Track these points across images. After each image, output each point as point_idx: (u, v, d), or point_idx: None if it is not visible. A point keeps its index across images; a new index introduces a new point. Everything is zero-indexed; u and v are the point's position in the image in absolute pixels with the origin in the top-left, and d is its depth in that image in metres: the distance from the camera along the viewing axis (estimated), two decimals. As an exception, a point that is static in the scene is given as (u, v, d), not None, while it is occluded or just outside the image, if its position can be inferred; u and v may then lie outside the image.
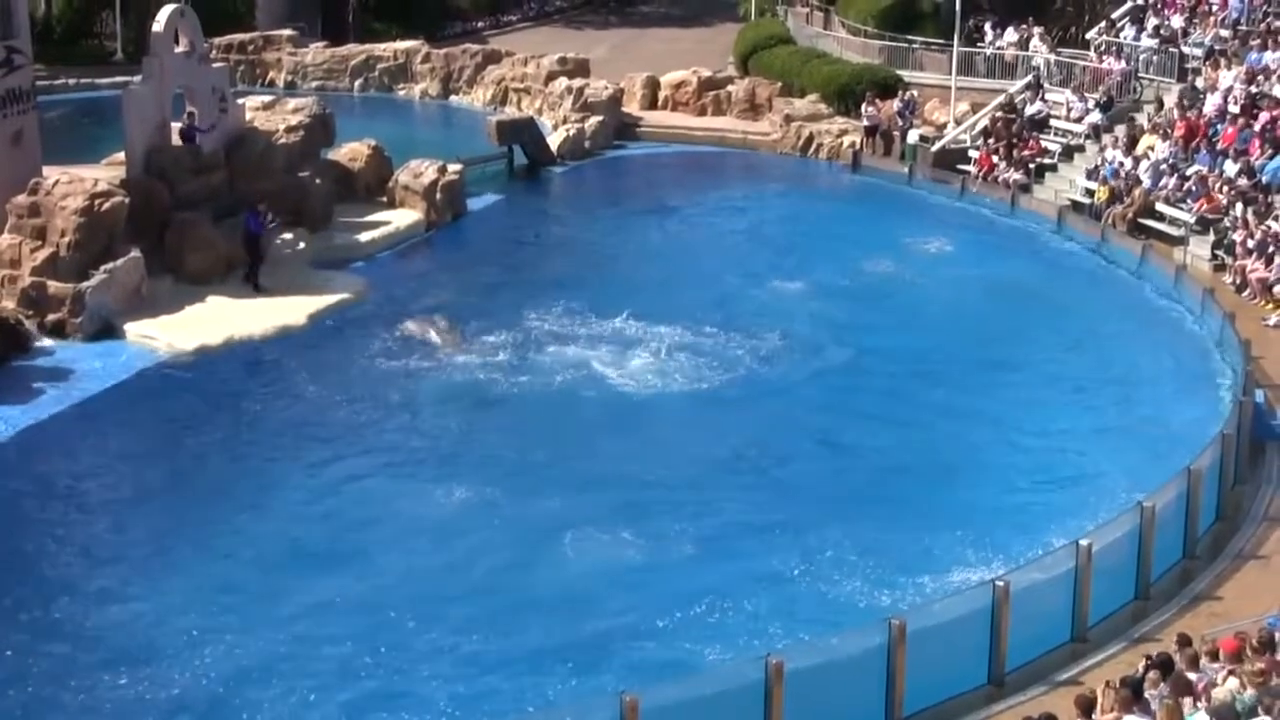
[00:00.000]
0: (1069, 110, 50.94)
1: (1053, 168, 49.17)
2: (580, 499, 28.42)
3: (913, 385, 34.21)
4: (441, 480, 29.32)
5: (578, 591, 25.28)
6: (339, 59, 65.52)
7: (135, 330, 36.05)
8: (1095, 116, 49.52)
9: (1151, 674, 19.03)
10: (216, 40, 60.14)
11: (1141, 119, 48.17)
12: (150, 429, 32.33)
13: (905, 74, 57.68)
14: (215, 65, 44.77)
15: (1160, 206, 43.76)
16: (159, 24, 40.67)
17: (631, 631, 24.21)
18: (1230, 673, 18.64)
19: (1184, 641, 19.96)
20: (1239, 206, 40.83)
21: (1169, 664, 19.17)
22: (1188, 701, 17.98)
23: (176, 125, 41.06)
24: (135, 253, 37.04)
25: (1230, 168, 42.71)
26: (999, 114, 51.65)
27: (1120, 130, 47.72)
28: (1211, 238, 41.29)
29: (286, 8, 72.81)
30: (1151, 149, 45.70)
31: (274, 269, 39.36)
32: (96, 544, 27.04)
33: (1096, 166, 46.84)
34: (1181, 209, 43.02)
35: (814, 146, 55.02)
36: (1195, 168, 43.73)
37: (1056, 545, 24.05)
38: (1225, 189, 41.91)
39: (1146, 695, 18.40)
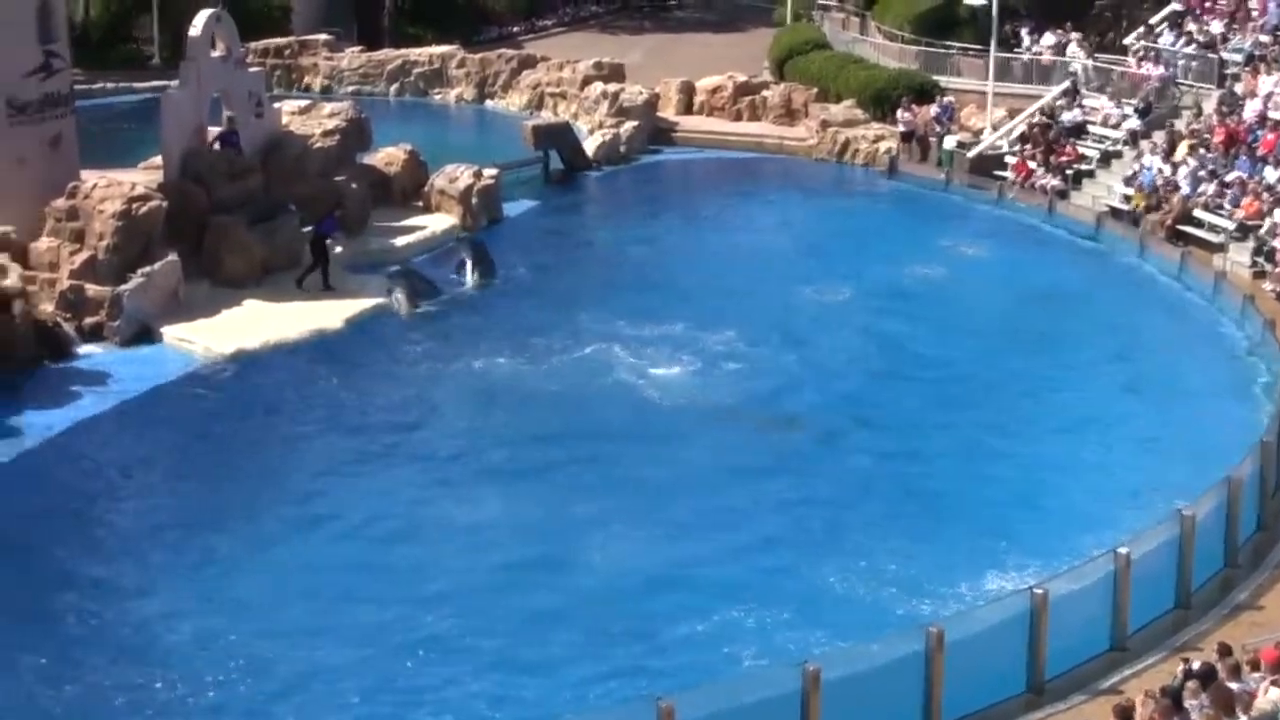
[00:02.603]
0: (1106, 116, 50.76)
1: (1090, 174, 49.00)
2: (617, 504, 28.41)
3: (952, 392, 34.11)
4: (477, 483, 29.41)
5: (614, 596, 25.25)
6: (375, 63, 65.58)
7: (172, 333, 36.10)
8: (1133, 122, 49.36)
9: (1191, 683, 18.91)
10: (253, 45, 60.07)
11: (1180, 125, 47.98)
12: (187, 432, 32.30)
13: (942, 79, 57.45)
14: (251, 70, 44.81)
15: (1199, 213, 43.58)
16: (196, 29, 40.78)
17: (668, 638, 24.17)
18: (1272, 683, 18.54)
19: (1224, 651, 19.86)
20: (1278, 213, 40.61)
21: (1210, 674, 19.05)
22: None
23: (214, 129, 41.18)
24: (172, 256, 37.10)
25: (1270, 174, 42.56)
26: (1036, 120, 51.49)
27: (1159, 136, 47.54)
28: (1251, 244, 41.11)
29: (322, 12, 72.99)
30: (1190, 155, 45.50)
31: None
32: (133, 547, 27.08)
33: (1134, 173, 46.65)
34: (1221, 215, 42.85)
35: (850, 152, 54.85)
36: (1235, 174, 43.55)
37: (1095, 553, 23.91)
38: (1265, 195, 41.71)
39: (1186, 705, 18.29)
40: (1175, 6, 54.19)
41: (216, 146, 40.97)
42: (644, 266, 43.50)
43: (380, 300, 38.60)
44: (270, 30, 66.85)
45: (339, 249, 41.11)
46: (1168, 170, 45.49)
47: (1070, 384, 34.60)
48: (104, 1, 67.33)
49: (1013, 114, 52.90)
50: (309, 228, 39.75)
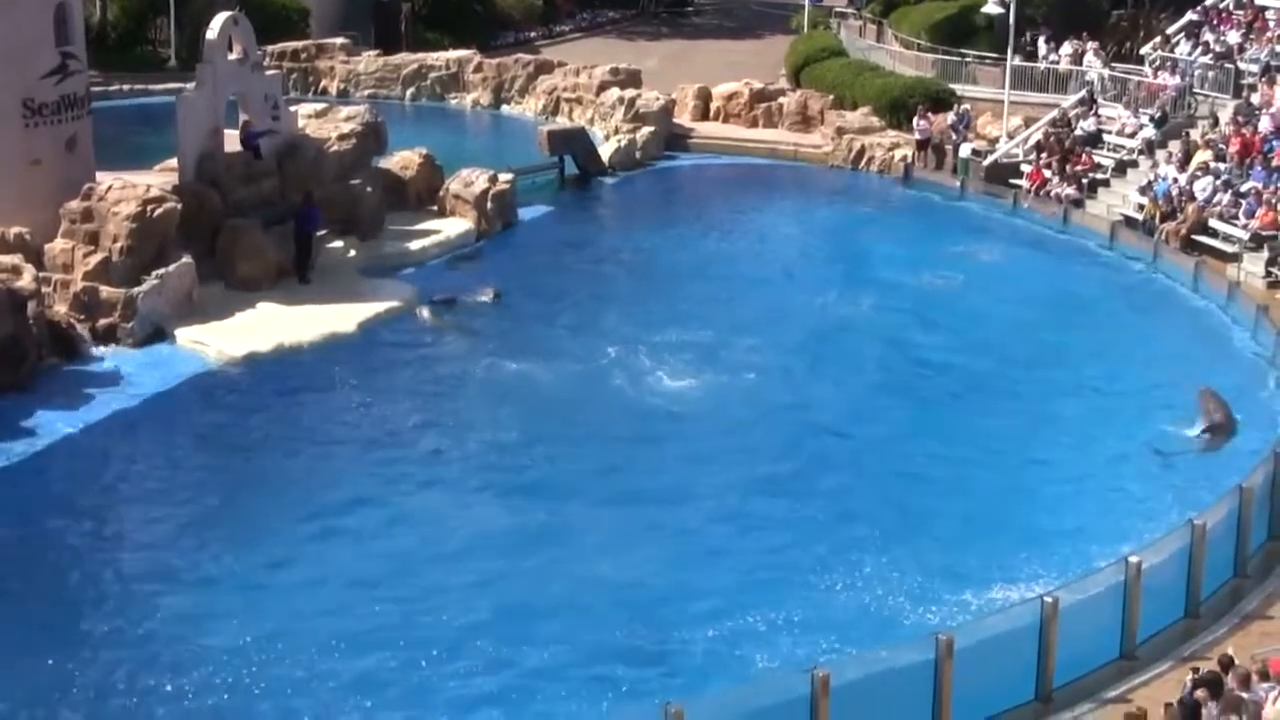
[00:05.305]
0: (1122, 125, 50.72)
1: (1105, 183, 48.93)
2: (629, 510, 28.44)
3: (962, 402, 34.13)
4: (487, 489, 29.42)
5: (623, 602, 25.23)
6: (391, 68, 65.66)
7: (186, 336, 36.16)
8: (1149, 132, 49.30)
9: (1200, 692, 18.91)
10: (270, 48, 60.25)
11: (1196, 135, 47.91)
12: (199, 435, 32.36)
13: (958, 88, 57.47)
14: (268, 73, 44.76)
15: (1214, 223, 43.53)
16: (213, 31, 40.83)
17: (677, 643, 24.17)
18: (1282, 692, 18.55)
19: (1227, 661, 19.85)
20: (1293, 223, 40.65)
21: (1217, 682, 19.05)
22: None
23: (233, 132, 41.20)
24: (186, 259, 37.16)
25: (1285, 184, 42.51)
26: (1052, 129, 51.46)
27: (1174, 146, 47.48)
28: (1265, 254, 41.07)
29: (340, 16, 73.06)
30: (1206, 165, 45.44)
31: (324, 276, 39.44)
32: (145, 549, 27.11)
33: (1150, 182, 46.60)
34: (1235, 225, 42.80)
35: (865, 159, 54.86)
36: (1250, 184, 43.51)
37: (1105, 562, 23.88)
38: (1280, 205, 41.73)
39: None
40: (1192, 16, 54.14)
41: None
42: (658, 272, 43.49)
43: (394, 304, 38.60)
44: (287, 33, 66.98)
45: (351, 253, 41.19)
46: (1183, 180, 45.43)
47: (1082, 393, 34.56)
48: (121, 4, 67.42)
49: (1029, 122, 52.90)
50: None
